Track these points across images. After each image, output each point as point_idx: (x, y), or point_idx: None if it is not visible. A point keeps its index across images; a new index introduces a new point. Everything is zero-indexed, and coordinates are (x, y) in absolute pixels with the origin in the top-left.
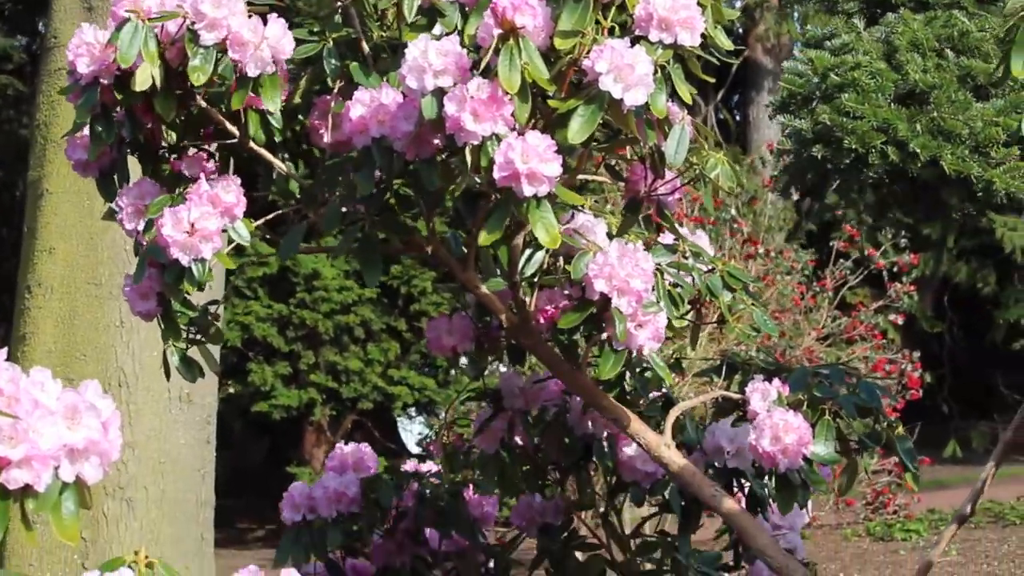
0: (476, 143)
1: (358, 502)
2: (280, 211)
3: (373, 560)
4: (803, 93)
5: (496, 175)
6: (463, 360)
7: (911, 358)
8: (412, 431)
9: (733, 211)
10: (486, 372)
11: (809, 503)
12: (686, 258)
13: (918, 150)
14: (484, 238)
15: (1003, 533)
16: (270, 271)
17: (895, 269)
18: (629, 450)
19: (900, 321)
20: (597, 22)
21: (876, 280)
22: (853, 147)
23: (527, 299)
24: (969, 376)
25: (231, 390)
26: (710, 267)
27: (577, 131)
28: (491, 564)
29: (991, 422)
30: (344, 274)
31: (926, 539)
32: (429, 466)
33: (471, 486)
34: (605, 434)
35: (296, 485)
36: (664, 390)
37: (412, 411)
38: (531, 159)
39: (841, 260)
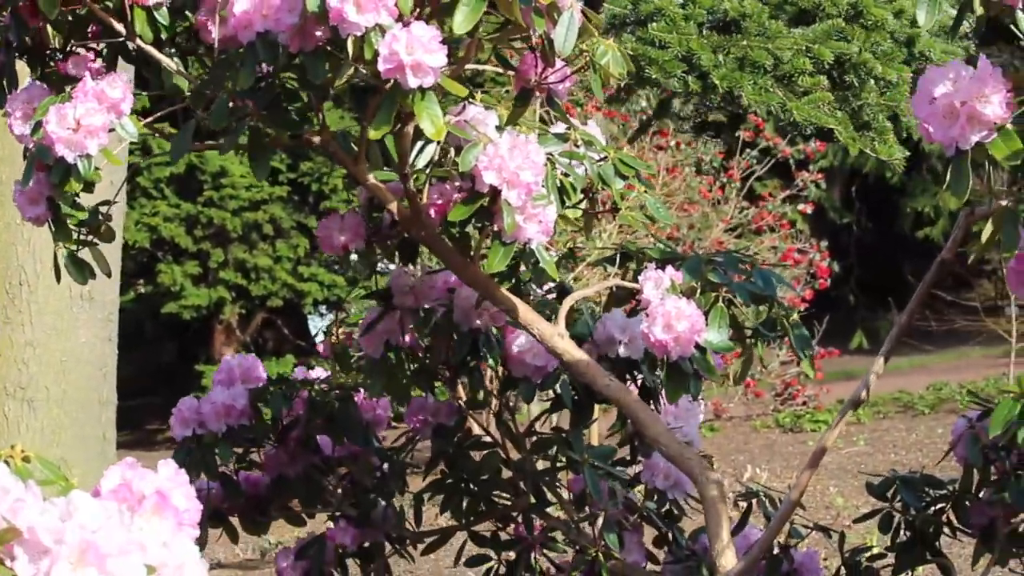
0: (359, 34)
1: (248, 414)
2: (170, 109)
3: (267, 471)
4: (621, 18)
5: (381, 67)
6: (353, 257)
7: (819, 247)
8: (322, 329)
9: (644, 103)
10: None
11: (702, 402)
12: (578, 147)
13: (717, 81)
14: (373, 132)
15: (912, 423)
16: (177, 170)
17: (802, 158)
18: (518, 344)
19: (808, 210)
20: None
21: (784, 170)
22: (654, 76)
23: (420, 191)
24: (878, 266)
25: (141, 290)
26: (603, 156)
27: (462, 21)
28: (385, 467)
29: (899, 312)
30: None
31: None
32: (319, 372)
33: (362, 390)
34: (493, 329)
35: (184, 400)
36: (560, 280)
37: (323, 308)
38: (415, 50)
39: (748, 150)
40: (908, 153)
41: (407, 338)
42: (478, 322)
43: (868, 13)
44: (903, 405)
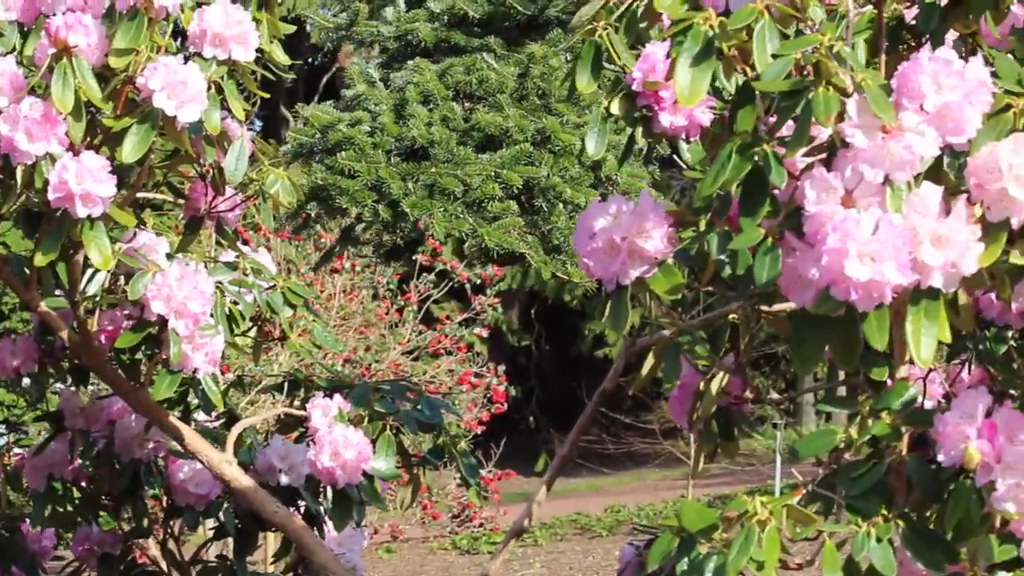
0: (30, 163)
1: None
2: None
3: None
4: (308, 147)
5: (51, 196)
6: (26, 381)
7: (496, 372)
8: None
9: (319, 227)
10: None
11: (368, 526)
12: (247, 275)
13: (408, 209)
14: (39, 259)
15: (589, 545)
16: None
17: (479, 282)
18: (181, 474)
19: (485, 334)
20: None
21: (462, 293)
22: (345, 206)
23: (90, 318)
24: (557, 388)
25: None
26: (271, 284)
27: (131, 150)
28: None
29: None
30: None
31: (512, 552)
32: None
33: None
34: (158, 457)
35: None
36: (230, 407)
37: (2, 428)
38: (85, 180)
39: (425, 274)
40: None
41: (71, 467)
42: (140, 452)
43: (556, 138)
44: (580, 527)
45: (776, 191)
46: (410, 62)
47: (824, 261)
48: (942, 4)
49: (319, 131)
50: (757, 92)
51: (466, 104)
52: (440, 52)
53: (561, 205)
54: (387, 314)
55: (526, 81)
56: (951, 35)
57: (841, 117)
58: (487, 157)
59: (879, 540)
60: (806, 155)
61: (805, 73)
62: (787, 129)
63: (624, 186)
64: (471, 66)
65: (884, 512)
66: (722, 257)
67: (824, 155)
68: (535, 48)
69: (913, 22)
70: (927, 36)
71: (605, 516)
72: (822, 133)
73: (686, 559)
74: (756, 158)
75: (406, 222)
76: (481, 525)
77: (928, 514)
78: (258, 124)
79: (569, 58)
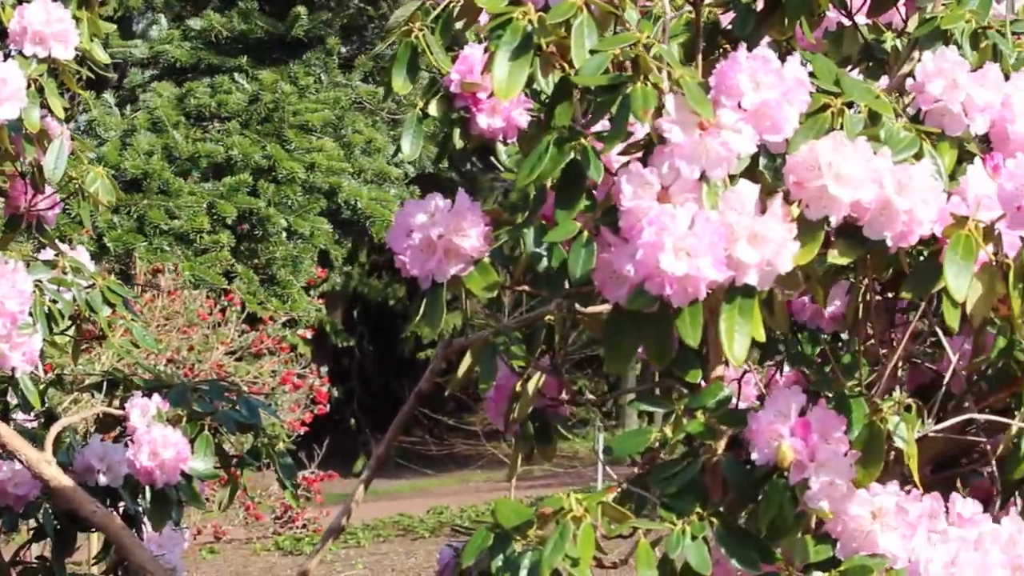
0: None
1: None
2: None
3: None
4: None
5: None
6: None
7: (319, 373)
8: None
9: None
10: None
11: (190, 527)
12: (66, 274)
13: (110, 244)
14: None
15: (412, 546)
16: None
17: (304, 284)
18: (0, 474)
19: (308, 335)
20: None
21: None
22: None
23: None
24: (379, 388)
25: None
26: (90, 283)
27: None
28: None
29: (403, 434)
30: None
31: (334, 553)
32: None
33: None
34: None
35: None
36: (50, 406)
37: None
38: None
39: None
40: (320, 307)
41: None
42: None
43: (280, 167)
44: (403, 528)
45: (594, 188)
46: (154, 84)
47: (639, 255)
48: (758, 9)
49: None
50: (575, 89)
51: (216, 125)
52: (199, 72)
53: (285, 235)
54: (210, 314)
55: (259, 105)
56: (765, 40)
57: (659, 113)
58: (209, 186)
59: (694, 538)
60: (624, 152)
61: (623, 69)
62: (604, 126)
63: (366, 210)
64: (218, 87)
65: (699, 511)
66: (538, 251)
67: (642, 152)
68: (265, 74)
69: (729, 27)
70: (743, 41)
71: (428, 517)
72: (640, 130)
73: (501, 556)
74: (574, 152)
75: (112, 255)
76: (304, 526)
77: (744, 513)
78: (83, 120)
79: (325, 79)
